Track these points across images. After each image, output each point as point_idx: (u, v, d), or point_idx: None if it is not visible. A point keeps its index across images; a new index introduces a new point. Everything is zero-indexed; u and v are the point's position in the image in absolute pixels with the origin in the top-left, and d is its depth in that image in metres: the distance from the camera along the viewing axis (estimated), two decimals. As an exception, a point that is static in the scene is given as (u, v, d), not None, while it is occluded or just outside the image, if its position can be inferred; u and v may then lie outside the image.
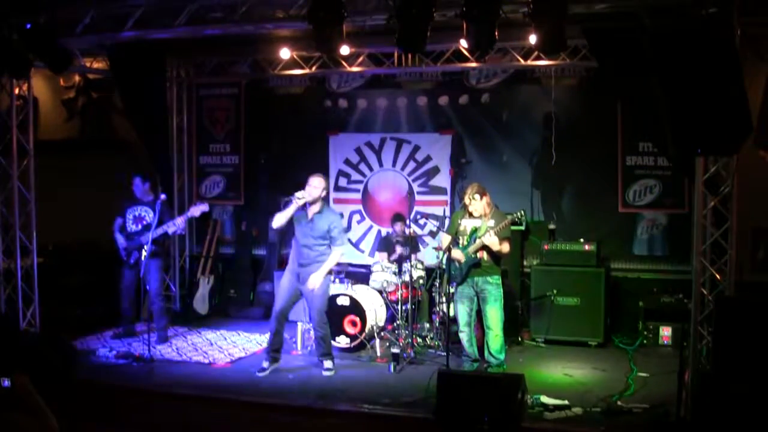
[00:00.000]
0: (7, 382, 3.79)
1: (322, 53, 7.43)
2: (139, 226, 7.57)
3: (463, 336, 6.51)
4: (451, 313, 6.67)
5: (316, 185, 6.42)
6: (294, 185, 6.59)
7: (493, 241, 6.19)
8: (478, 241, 6.27)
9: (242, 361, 7.00)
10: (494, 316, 6.34)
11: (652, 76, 5.38)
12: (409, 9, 5.54)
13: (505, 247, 6.34)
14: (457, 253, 6.36)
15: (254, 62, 8.94)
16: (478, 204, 6.35)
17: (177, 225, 7.39)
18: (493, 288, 6.35)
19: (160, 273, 7.89)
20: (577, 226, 8.16)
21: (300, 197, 6.38)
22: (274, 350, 6.63)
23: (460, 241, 6.40)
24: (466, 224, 6.44)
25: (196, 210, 7.37)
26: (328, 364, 6.59)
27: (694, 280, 5.97)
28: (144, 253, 7.17)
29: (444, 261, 6.69)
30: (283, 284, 6.62)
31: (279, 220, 6.48)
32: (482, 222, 6.35)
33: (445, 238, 6.69)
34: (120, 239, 7.58)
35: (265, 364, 6.56)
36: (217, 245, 9.56)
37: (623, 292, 7.92)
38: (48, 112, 10.05)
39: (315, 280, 6.37)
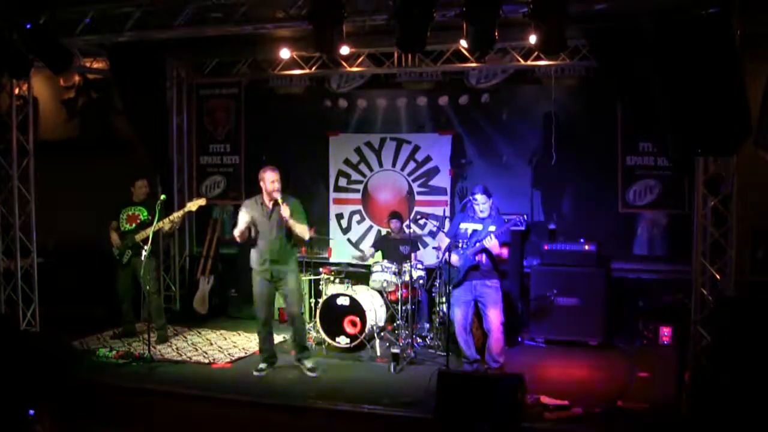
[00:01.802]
0: (32, 411, 3.88)
1: (322, 53, 7.43)
2: (133, 225, 7.57)
3: (461, 340, 6.50)
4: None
5: (278, 178, 6.31)
6: (294, 185, 6.56)
7: (493, 244, 6.19)
8: (477, 244, 6.26)
9: (242, 361, 6.99)
10: (494, 318, 6.32)
11: (652, 76, 5.38)
12: (409, 9, 5.54)
13: (504, 251, 6.34)
14: (455, 256, 6.36)
15: (254, 62, 8.93)
16: (483, 204, 6.34)
17: (173, 221, 7.38)
18: (492, 291, 6.34)
19: (157, 272, 7.83)
20: (577, 226, 8.14)
21: (279, 197, 6.25)
22: (271, 356, 6.62)
23: (460, 244, 6.40)
24: (466, 227, 6.43)
25: (193, 205, 7.35)
26: (310, 363, 6.52)
27: (694, 280, 5.98)
28: (144, 253, 7.16)
29: (443, 262, 6.69)
30: (262, 291, 6.50)
31: (240, 230, 6.35)
32: (482, 225, 6.34)
33: (444, 241, 6.68)
34: (114, 237, 7.58)
35: (263, 365, 6.55)
36: (217, 245, 9.56)
37: (623, 292, 7.90)
38: (48, 112, 10.05)
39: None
